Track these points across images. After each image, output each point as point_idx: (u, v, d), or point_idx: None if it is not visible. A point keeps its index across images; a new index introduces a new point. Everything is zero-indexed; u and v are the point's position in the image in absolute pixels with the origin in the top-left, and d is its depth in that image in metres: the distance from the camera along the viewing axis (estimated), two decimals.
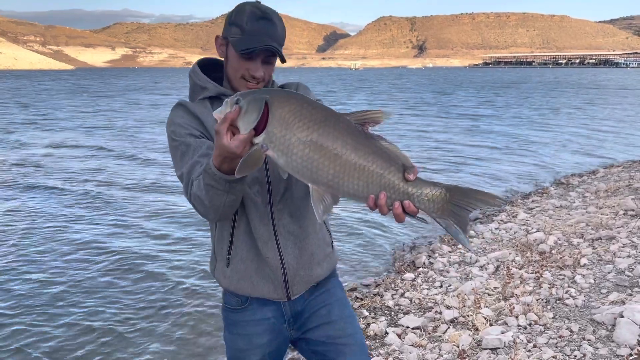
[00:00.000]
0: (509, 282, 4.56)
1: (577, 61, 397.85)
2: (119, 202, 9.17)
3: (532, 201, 8.58)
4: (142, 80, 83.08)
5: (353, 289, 5.28)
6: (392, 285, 5.20)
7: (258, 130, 1.38)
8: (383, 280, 5.41)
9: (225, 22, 1.77)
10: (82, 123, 22.18)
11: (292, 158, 1.38)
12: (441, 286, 4.98)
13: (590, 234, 6.04)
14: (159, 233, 7.43)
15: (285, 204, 1.82)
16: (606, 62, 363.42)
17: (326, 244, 1.97)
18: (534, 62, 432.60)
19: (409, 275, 5.35)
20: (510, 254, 5.57)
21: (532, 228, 6.57)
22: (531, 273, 4.92)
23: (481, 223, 7.40)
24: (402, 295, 4.87)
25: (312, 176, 1.39)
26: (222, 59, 1.84)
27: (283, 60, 1.77)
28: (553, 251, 5.53)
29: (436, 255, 5.99)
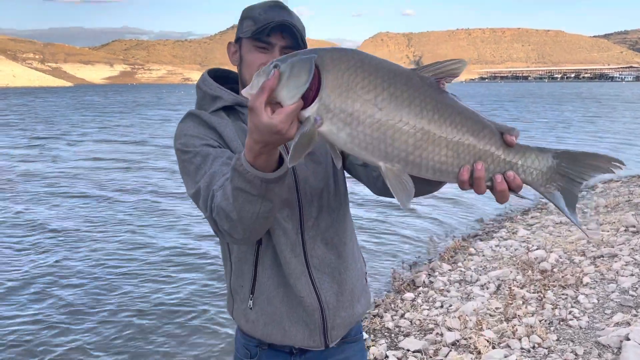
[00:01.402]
0: (511, 303, 4.47)
1: (573, 75, 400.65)
2: (169, 208, 9.73)
3: (532, 217, 8.51)
4: (143, 97, 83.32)
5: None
6: (392, 305, 5.10)
7: (307, 99, 1.08)
8: (383, 301, 5.31)
9: (237, 27, 1.58)
10: (106, 137, 22.89)
11: (358, 129, 1.07)
12: (442, 306, 4.88)
13: (592, 251, 5.96)
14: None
15: (317, 231, 1.54)
16: (601, 77, 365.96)
17: (363, 275, 1.70)
18: (529, 76, 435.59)
19: (409, 295, 5.25)
20: (511, 272, 5.49)
21: (533, 245, 6.49)
22: (533, 292, 4.83)
23: (481, 240, 7.32)
24: (402, 316, 4.77)
25: (386, 150, 1.08)
26: (236, 71, 1.62)
27: (301, 47, 1.49)
28: (555, 269, 5.44)
29: (436, 273, 5.89)
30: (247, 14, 1.52)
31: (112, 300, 5.73)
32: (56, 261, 6.92)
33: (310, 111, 1.08)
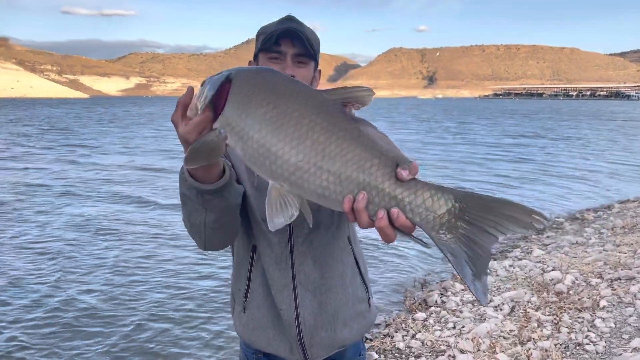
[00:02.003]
0: (526, 325, 4.37)
1: (588, 93, 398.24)
2: None
3: (547, 237, 8.37)
4: (161, 110, 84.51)
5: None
6: (403, 325, 5.01)
7: (217, 112, 1.10)
8: (393, 320, 5.22)
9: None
10: (137, 146, 23.72)
11: (248, 144, 1.06)
12: (454, 327, 4.79)
13: (609, 273, 5.83)
14: None
15: (309, 247, 1.54)
16: (617, 95, 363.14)
17: (359, 300, 1.65)
18: (544, 93, 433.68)
19: (420, 315, 5.16)
20: (525, 293, 5.38)
21: (548, 266, 6.37)
22: (548, 315, 4.72)
23: (494, 259, 7.20)
24: (413, 336, 4.69)
25: (270, 167, 1.05)
26: None
27: (313, 56, 1.54)
28: (570, 292, 5.32)
29: (449, 293, 5.80)
30: (262, 31, 1.58)
31: (138, 305, 5.85)
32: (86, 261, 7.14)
33: (216, 124, 1.10)
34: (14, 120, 46.45)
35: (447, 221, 0.99)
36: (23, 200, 11.21)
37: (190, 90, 1.14)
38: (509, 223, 0.97)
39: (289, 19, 1.56)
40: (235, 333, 1.72)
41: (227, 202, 1.31)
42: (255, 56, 1.60)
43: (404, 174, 0.98)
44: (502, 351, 4.05)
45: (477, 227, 0.98)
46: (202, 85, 1.15)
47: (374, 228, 1.02)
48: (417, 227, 1.02)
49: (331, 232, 1.58)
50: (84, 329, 5.28)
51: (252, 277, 1.57)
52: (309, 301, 1.54)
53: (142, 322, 5.42)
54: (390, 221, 1.00)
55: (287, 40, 1.50)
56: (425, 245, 1.02)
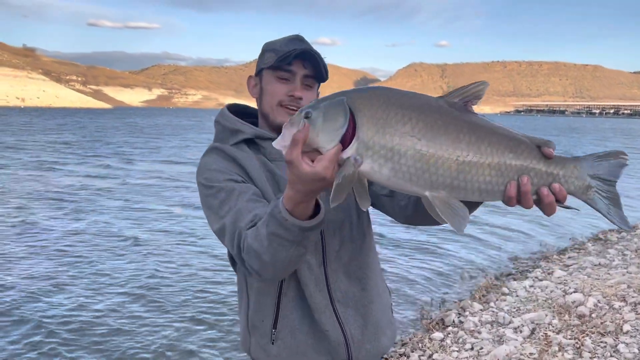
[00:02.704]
0: (547, 349, 4.26)
1: (612, 111, 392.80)
2: None
3: (569, 257, 8.20)
4: (182, 121, 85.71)
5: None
6: (420, 345, 4.92)
7: (344, 141, 1.08)
8: (410, 339, 5.13)
9: (257, 62, 1.61)
10: (169, 155, 24.71)
11: (400, 162, 1.07)
12: (472, 349, 4.68)
13: (633, 297, 5.67)
14: None
15: (340, 263, 1.53)
16: None
17: (388, 307, 1.69)
18: (566, 111, 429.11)
19: (437, 335, 5.06)
20: (546, 315, 5.25)
21: (570, 288, 6.22)
22: (570, 339, 4.60)
23: (514, 279, 7.07)
24: (430, 357, 4.60)
25: (430, 179, 1.08)
26: (255, 105, 1.65)
27: (325, 76, 1.55)
28: (593, 315, 5.19)
29: (467, 313, 5.69)
30: (268, 47, 1.55)
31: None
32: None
33: (349, 152, 1.08)
34: (45, 129, 47.71)
35: (589, 183, 1.16)
36: (67, 207, 11.71)
37: (308, 126, 1.08)
38: (617, 166, 1.17)
39: (299, 39, 1.55)
40: None
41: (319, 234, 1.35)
42: (258, 72, 1.58)
43: (551, 152, 1.12)
44: None
45: (603, 180, 1.17)
46: (293, 119, 1.12)
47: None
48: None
49: (359, 245, 1.58)
50: (125, 330, 5.46)
51: (282, 304, 1.51)
52: (352, 317, 1.53)
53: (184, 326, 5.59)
54: (554, 195, 1.13)
55: (299, 61, 1.50)
56: (576, 209, 1.22)
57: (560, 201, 1.15)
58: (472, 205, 1.20)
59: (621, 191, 1.20)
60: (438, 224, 1.40)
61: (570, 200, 1.20)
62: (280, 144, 1.14)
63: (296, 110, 1.41)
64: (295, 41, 1.53)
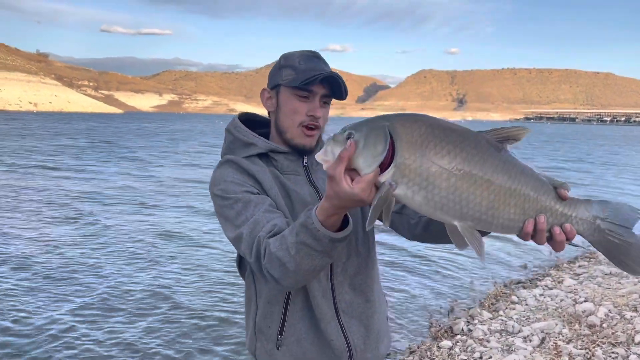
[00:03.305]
0: (557, 359, 4.20)
1: (623, 119, 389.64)
2: None
3: (579, 266, 8.12)
4: (195, 126, 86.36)
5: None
6: (428, 353, 4.88)
7: (383, 165, 1.14)
8: (418, 347, 5.10)
9: (271, 74, 1.61)
10: (183, 159, 25.32)
11: (434, 192, 1.13)
12: (481, 357, 4.64)
13: None
14: None
15: (345, 275, 1.58)
16: None
17: (385, 316, 1.75)
18: (577, 118, 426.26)
19: (446, 343, 5.02)
20: (556, 325, 5.20)
21: (580, 297, 6.16)
22: (580, 349, 4.55)
23: (524, 288, 7.01)
24: None
25: (461, 210, 1.14)
26: (267, 116, 1.66)
27: (344, 97, 1.58)
28: (604, 325, 5.13)
29: (475, 321, 5.64)
30: (287, 63, 1.56)
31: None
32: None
33: (386, 176, 1.14)
34: (60, 133, 48.32)
35: (597, 225, 1.22)
36: (95, 210, 11.96)
37: (354, 147, 1.15)
38: (629, 219, 1.21)
39: (317, 57, 1.58)
40: None
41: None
42: (275, 85, 1.59)
43: (566, 194, 1.20)
44: None
45: (615, 225, 1.21)
46: (336, 137, 1.19)
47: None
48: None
49: (364, 258, 1.62)
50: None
51: (289, 313, 1.55)
52: (356, 327, 1.59)
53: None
54: (565, 234, 1.22)
55: (319, 82, 1.52)
56: (580, 246, 1.45)
57: (569, 239, 1.23)
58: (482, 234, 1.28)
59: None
60: (441, 243, 1.51)
61: None
62: (321, 157, 1.20)
63: (314, 129, 1.54)
64: (314, 59, 1.56)
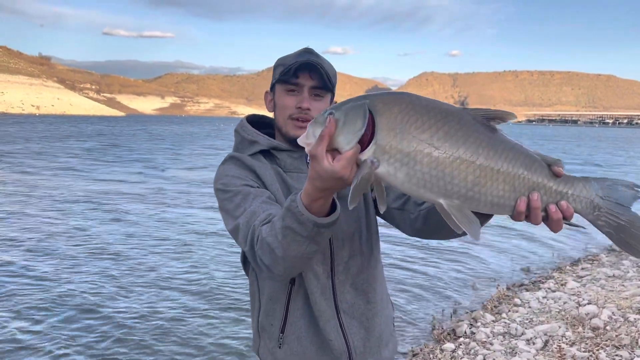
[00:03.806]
0: None
1: (625, 121, 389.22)
2: None
3: (582, 269, 8.09)
4: (199, 129, 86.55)
5: None
6: (431, 356, 4.87)
7: (363, 143, 1.11)
8: (421, 350, 5.08)
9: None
10: (190, 161, 25.84)
11: (415, 168, 1.09)
12: None
13: None
14: None
15: (347, 275, 1.56)
16: None
17: (391, 320, 1.71)
18: (579, 120, 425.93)
19: (448, 346, 5.00)
20: (559, 327, 5.17)
21: (583, 299, 6.13)
22: (584, 352, 4.53)
23: (527, 290, 6.99)
24: None
25: (445, 187, 1.10)
26: (272, 116, 1.71)
27: (330, 88, 1.58)
28: (607, 327, 5.10)
29: (478, 324, 5.62)
30: (279, 62, 1.61)
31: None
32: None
33: (367, 154, 1.11)
34: (66, 136, 48.48)
35: (597, 203, 1.17)
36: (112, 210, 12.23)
37: (333, 122, 1.12)
38: (632, 198, 1.18)
39: (308, 51, 1.59)
40: None
41: (333, 232, 1.37)
42: (272, 87, 1.65)
43: (560, 170, 1.15)
44: None
45: (614, 203, 1.17)
46: (318, 118, 1.16)
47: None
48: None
49: (367, 258, 1.61)
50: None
51: (291, 310, 1.55)
52: (356, 328, 1.56)
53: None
54: (561, 212, 1.17)
55: (305, 73, 1.54)
56: (581, 227, 1.28)
57: (567, 219, 1.18)
58: (482, 218, 1.23)
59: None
60: (444, 238, 1.48)
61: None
62: (303, 140, 1.17)
63: (305, 122, 1.50)
64: (303, 54, 1.58)
